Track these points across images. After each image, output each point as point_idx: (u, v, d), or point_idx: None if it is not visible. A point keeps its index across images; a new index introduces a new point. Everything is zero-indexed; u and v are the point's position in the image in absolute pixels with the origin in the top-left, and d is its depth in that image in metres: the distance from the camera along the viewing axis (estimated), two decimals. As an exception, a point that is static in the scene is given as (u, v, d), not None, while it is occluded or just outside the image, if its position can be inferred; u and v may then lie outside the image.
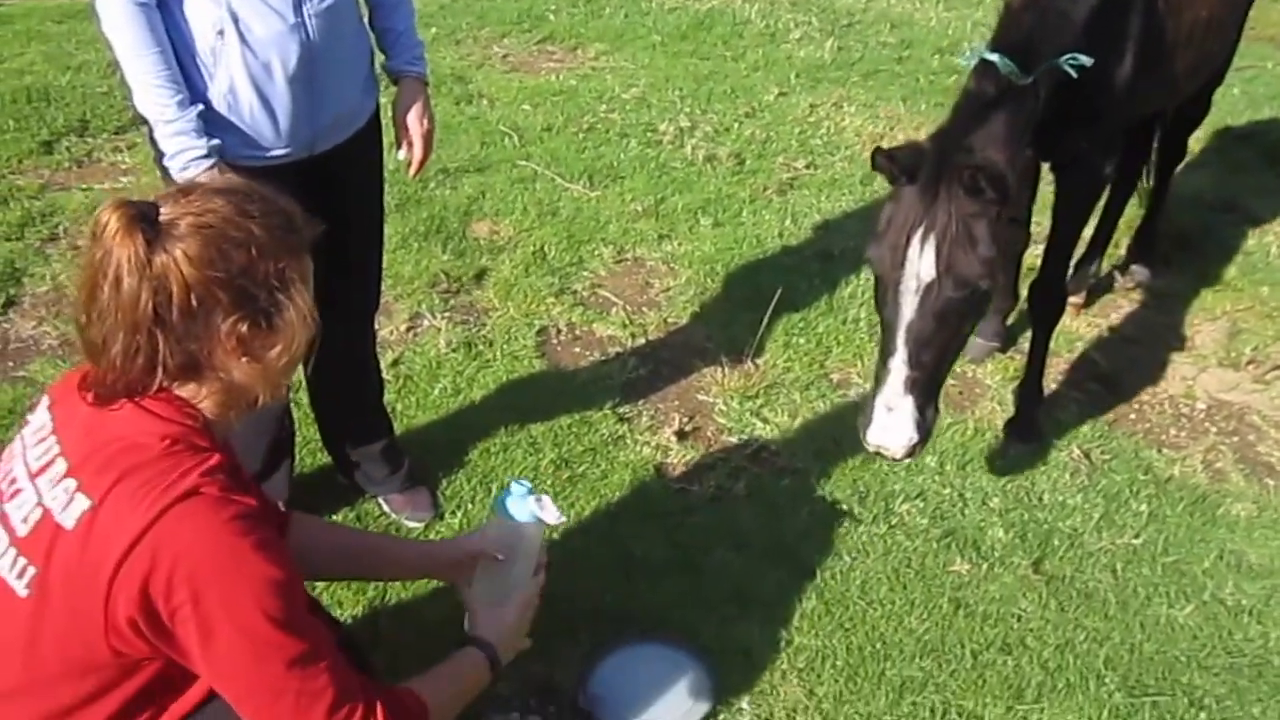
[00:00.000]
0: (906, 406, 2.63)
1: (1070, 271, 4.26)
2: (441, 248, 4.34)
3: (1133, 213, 4.54)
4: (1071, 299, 4.24)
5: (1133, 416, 3.76)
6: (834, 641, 2.82)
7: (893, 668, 2.76)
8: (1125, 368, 3.99)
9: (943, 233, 2.50)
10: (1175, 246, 4.65)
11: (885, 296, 2.65)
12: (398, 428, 3.29)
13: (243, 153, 2.42)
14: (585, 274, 4.29)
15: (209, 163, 2.32)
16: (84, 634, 1.59)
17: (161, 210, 1.61)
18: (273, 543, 1.63)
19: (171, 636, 1.58)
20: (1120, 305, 4.36)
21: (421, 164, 2.80)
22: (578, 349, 3.89)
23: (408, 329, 3.89)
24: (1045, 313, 3.49)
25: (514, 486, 2.25)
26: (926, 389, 2.66)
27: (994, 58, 2.70)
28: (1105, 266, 4.46)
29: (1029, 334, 3.60)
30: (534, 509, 2.22)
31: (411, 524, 3.07)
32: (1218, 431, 3.72)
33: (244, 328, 1.65)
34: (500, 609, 2.17)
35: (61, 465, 1.63)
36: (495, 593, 2.22)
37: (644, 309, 4.12)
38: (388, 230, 4.32)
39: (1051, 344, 3.57)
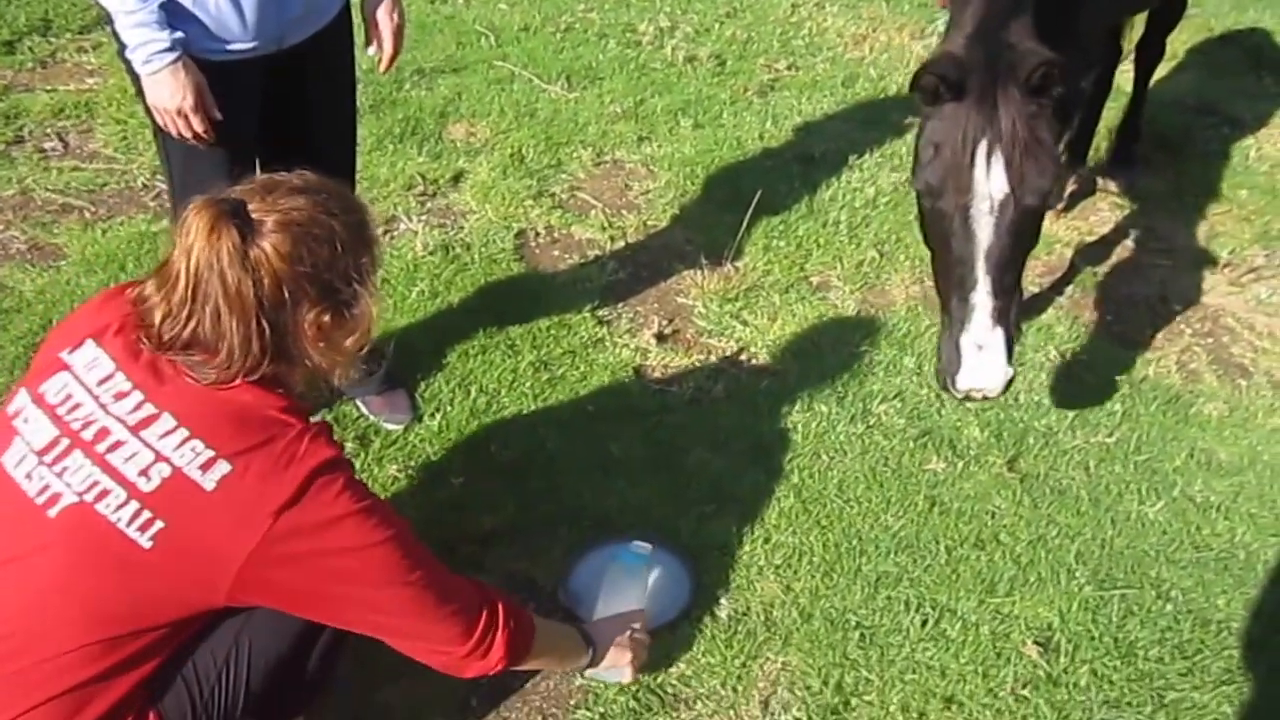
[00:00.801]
0: (998, 341, 2.46)
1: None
2: (417, 150, 4.30)
3: (1111, 117, 4.53)
4: (1053, 205, 4.26)
5: (1109, 318, 3.79)
6: (811, 538, 2.86)
7: (868, 563, 2.81)
8: (1102, 269, 4.01)
9: (1010, 143, 2.33)
10: (1155, 149, 4.65)
11: (951, 226, 2.44)
12: (374, 330, 3.29)
13: (208, 46, 2.37)
14: (564, 176, 4.26)
15: (172, 56, 2.28)
16: (207, 587, 1.70)
17: (249, 206, 1.70)
18: (368, 493, 1.82)
19: (302, 594, 1.76)
20: (1099, 208, 4.36)
21: (392, 60, 2.75)
22: (556, 252, 3.88)
23: (384, 232, 3.87)
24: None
25: (635, 546, 2.62)
26: (1009, 315, 2.50)
27: None
28: (1085, 171, 4.45)
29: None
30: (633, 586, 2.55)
31: (390, 426, 3.08)
32: (1192, 333, 3.76)
33: (326, 318, 1.79)
34: (618, 621, 2.40)
35: (170, 421, 1.70)
36: (606, 610, 2.48)
37: (623, 211, 4.11)
38: (362, 132, 4.28)
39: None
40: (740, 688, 2.51)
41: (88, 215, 3.84)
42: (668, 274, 3.81)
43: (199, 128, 2.39)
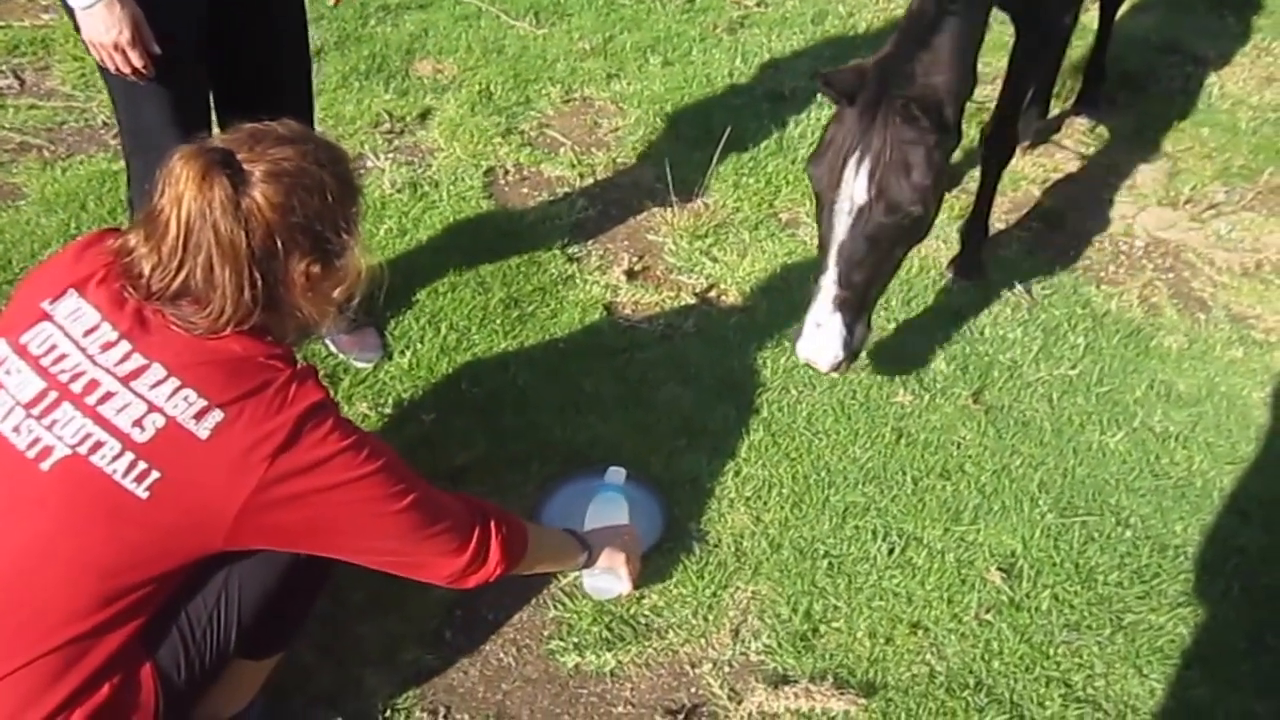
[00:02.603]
0: (835, 324, 2.66)
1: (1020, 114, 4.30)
2: (384, 87, 4.27)
3: (1077, 56, 4.55)
4: (1021, 143, 4.28)
5: (1073, 253, 3.84)
6: (780, 470, 2.91)
7: (836, 494, 2.86)
8: (1067, 206, 4.05)
9: (877, 158, 2.51)
10: (1119, 87, 4.68)
11: (821, 215, 2.67)
12: (362, 280, 3.29)
13: None
14: (532, 114, 4.25)
15: None
16: (205, 535, 1.71)
17: (238, 156, 1.70)
18: (353, 429, 1.84)
19: (301, 532, 1.80)
20: (1064, 146, 4.39)
21: None
22: (525, 189, 3.88)
23: (352, 170, 3.84)
24: (997, 156, 3.52)
25: (612, 473, 2.66)
26: (856, 308, 2.68)
27: None
28: (1051, 108, 4.48)
29: (975, 173, 3.63)
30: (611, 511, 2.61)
31: (360, 364, 3.09)
32: (1154, 268, 3.81)
33: (316, 268, 1.80)
34: (609, 530, 2.48)
35: (161, 371, 1.70)
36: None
37: (592, 149, 4.10)
38: (327, 69, 4.28)
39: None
40: (711, 617, 2.56)
41: (46, 154, 3.80)
42: (637, 211, 3.82)
43: (137, 63, 2.34)
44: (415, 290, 3.34)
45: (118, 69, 2.36)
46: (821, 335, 2.67)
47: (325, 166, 1.78)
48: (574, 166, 3.98)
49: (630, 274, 3.52)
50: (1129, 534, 2.84)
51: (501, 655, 2.46)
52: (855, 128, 2.54)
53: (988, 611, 2.61)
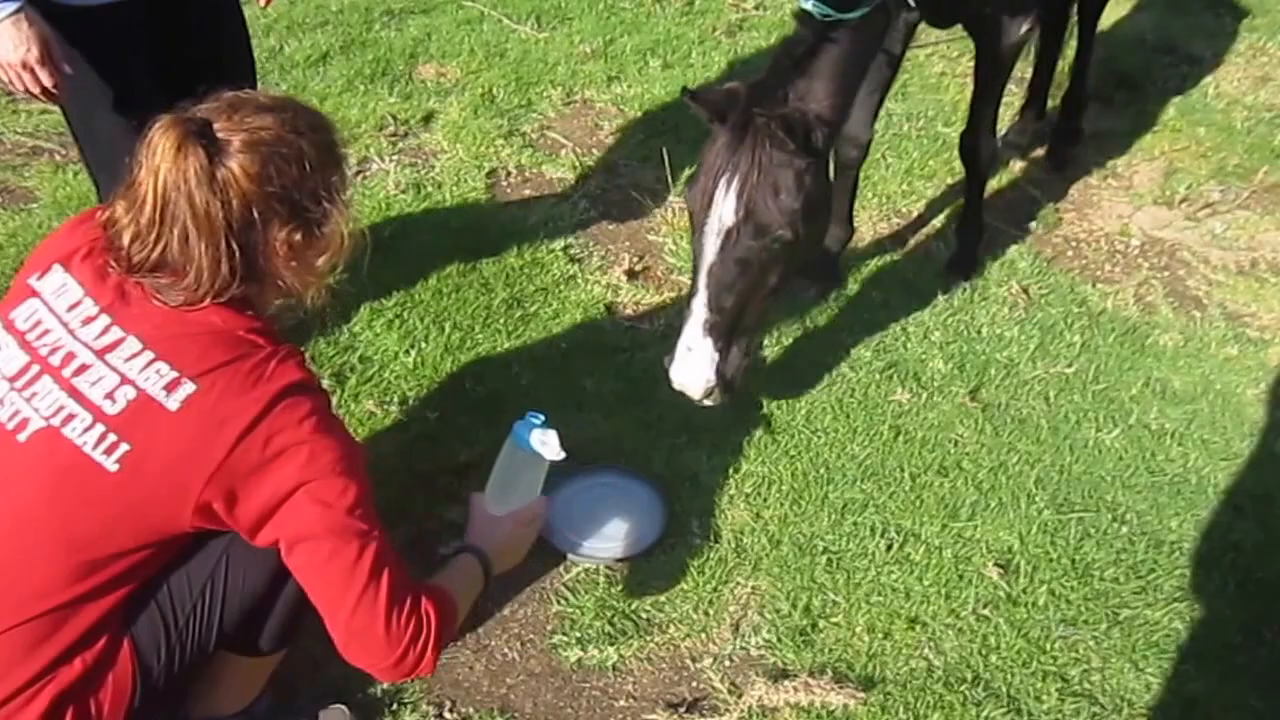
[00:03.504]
0: (705, 349, 2.56)
1: (1017, 117, 4.35)
2: (388, 90, 4.31)
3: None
4: (1018, 143, 4.32)
5: (1070, 253, 3.87)
6: (779, 468, 2.94)
7: (835, 491, 2.89)
8: (1064, 206, 4.09)
9: (744, 179, 2.44)
10: (1115, 87, 4.71)
11: (693, 235, 2.59)
12: (348, 271, 3.33)
13: None
14: (534, 116, 4.29)
15: (13, 6, 2.13)
16: (173, 508, 1.70)
17: (215, 126, 1.69)
18: (340, 424, 1.81)
19: (262, 516, 1.72)
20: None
21: None
22: (528, 191, 3.92)
23: (356, 172, 3.88)
24: (975, 164, 3.53)
25: (530, 417, 2.25)
26: (728, 333, 2.59)
27: (809, 5, 2.53)
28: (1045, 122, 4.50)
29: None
30: (538, 442, 2.23)
31: None
32: (1150, 267, 3.84)
33: (297, 237, 1.78)
34: (498, 521, 2.22)
35: (136, 345, 1.70)
36: (499, 504, 2.26)
37: (593, 151, 4.14)
38: (332, 73, 4.32)
39: (994, 183, 3.64)
40: (712, 611, 2.59)
41: (58, 158, 3.84)
42: (638, 212, 3.85)
43: (46, 82, 2.24)
44: (420, 290, 3.38)
45: (26, 90, 2.25)
46: (692, 360, 2.57)
47: (304, 134, 1.76)
48: (575, 168, 4.02)
49: (631, 274, 3.56)
50: (1125, 530, 2.87)
51: (505, 650, 2.50)
52: (725, 148, 2.47)
53: (985, 607, 2.64)
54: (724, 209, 2.47)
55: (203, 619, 1.88)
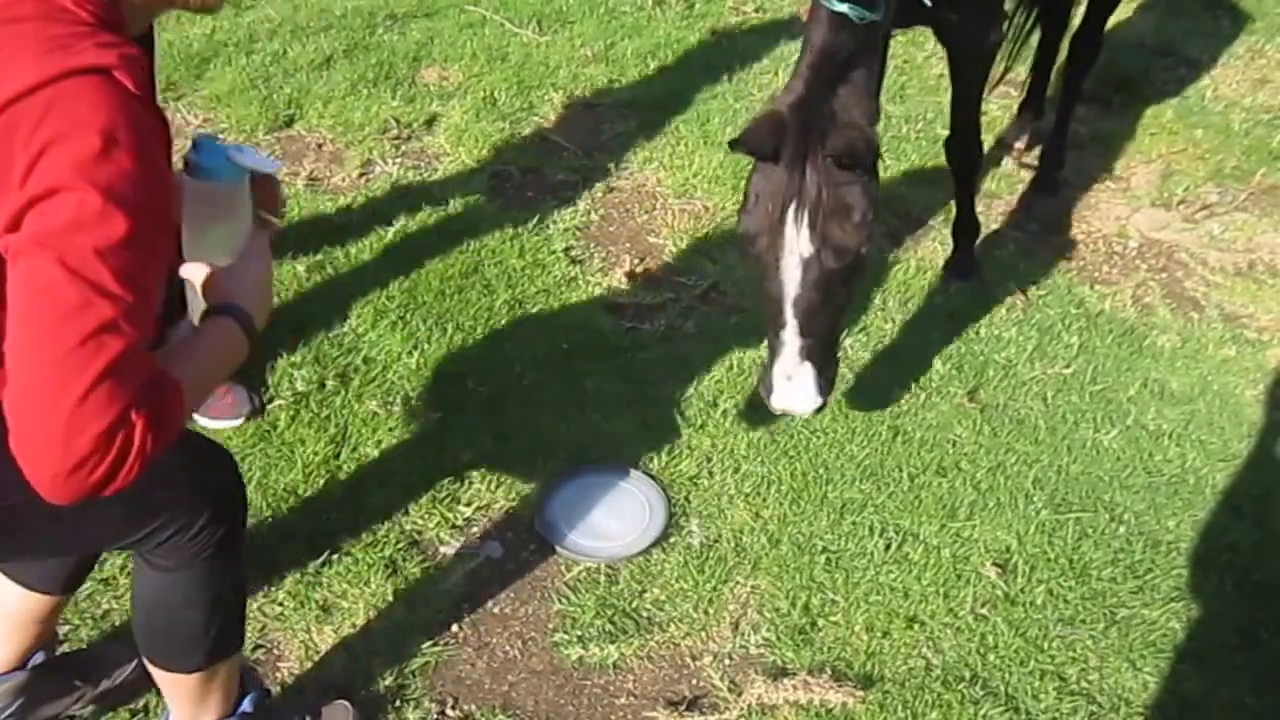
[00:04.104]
0: (806, 373, 2.58)
1: (1015, 118, 4.36)
2: (391, 94, 4.33)
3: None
4: (1016, 144, 4.34)
5: (1068, 254, 3.89)
6: (779, 468, 2.96)
7: (834, 490, 2.91)
8: (1062, 208, 4.11)
9: (815, 208, 2.41)
10: (1114, 89, 4.73)
11: (765, 272, 2.54)
12: (352, 272, 3.38)
13: None
14: (536, 119, 4.31)
15: None
16: None
17: None
18: (165, 171, 1.43)
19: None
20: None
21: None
22: (529, 193, 3.94)
23: (359, 175, 3.91)
24: (961, 167, 3.55)
25: (202, 141, 1.72)
26: (824, 352, 2.61)
27: (843, 8, 2.43)
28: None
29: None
30: (239, 162, 1.71)
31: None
32: (1148, 268, 3.86)
33: None
34: (239, 267, 1.73)
35: None
36: (219, 254, 1.76)
37: (594, 153, 4.16)
38: (336, 77, 4.34)
39: (992, 185, 3.66)
40: (712, 610, 2.61)
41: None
42: (639, 213, 3.88)
43: None
44: (423, 292, 3.40)
45: None
46: (796, 385, 2.59)
47: None
48: (576, 170, 4.04)
49: (632, 275, 3.58)
50: (1123, 530, 2.88)
51: (507, 648, 2.52)
52: (786, 180, 2.41)
53: (983, 606, 2.66)
54: (800, 241, 2.44)
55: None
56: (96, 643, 2.41)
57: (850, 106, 2.49)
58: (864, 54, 2.53)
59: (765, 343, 2.69)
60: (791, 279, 2.49)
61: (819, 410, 2.66)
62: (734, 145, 2.43)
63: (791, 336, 2.55)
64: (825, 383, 2.62)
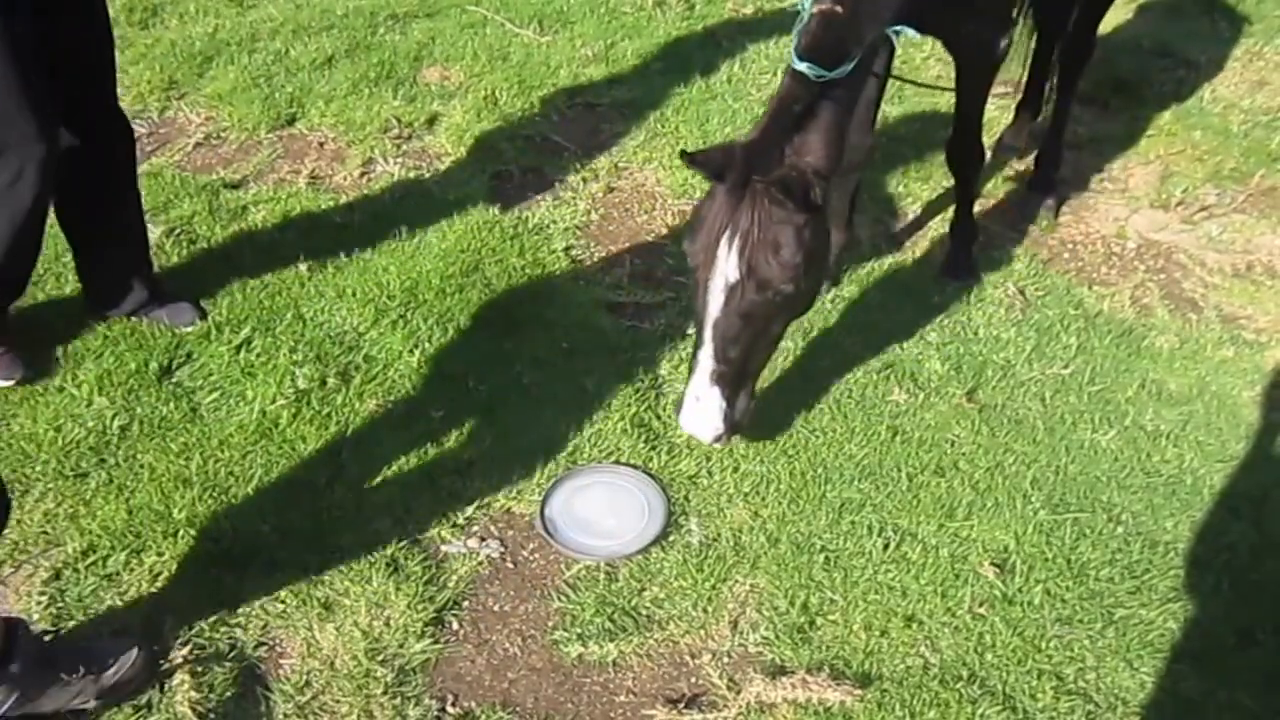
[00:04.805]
0: (713, 399, 2.63)
1: (1012, 119, 4.37)
2: (392, 93, 4.34)
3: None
4: (1013, 145, 4.35)
5: (1066, 255, 3.90)
6: (778, 467, 2.97)
7: (833, 490, 2.92)
8: (1061, 209, 4.11)
9: (745, 238, 2.47)
10: (1112, 91, 4.75)
11: (696, 291, 2.62)
12: (354, 271, 3.39)
13: None
14: (537, 119, 4.32)
15: None
16: None
17: None
18: None
19: None
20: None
21: None
22: (530, 193, 3.95)
23: (361, 174, 3.93)
24: (961, 169, 3.57)
25: None
26: (735, 382, 2.66)
27: (802, 67, 2.50)
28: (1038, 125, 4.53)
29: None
30: None
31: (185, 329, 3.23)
32: (1146, 269, 3.87)
33: None
34: None
35: None
36: None
37: (595, 153, 4.17)
38: (338, 76, 4.35)
39: (991, 186, 3.66)
40: (711, 609, 2.62)
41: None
42: (638, 214, 3.89)
43: None
44: (423, 291, 3.41)
45: None
46: (701, 409, 2.64)
47: None
48: (577, 170, 4.06)
49: (632, 275, 3.59)
50: (1120, 530, 2.89)
51: (507, 645, 2.53)
52: (725, 206, 2.49)
53: (981, 606, 2.67)
54: (727, 266, 2.51)
55: None
56: (94, 635, 2.42)
57: (802, 150, 2.57)
58: (830, 103, 2.58)
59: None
60: (715, 301, 2.55)
61: (719, 442, 2.70)
62: (685, 157, 2.49)
63: (706, 358, 2.61)
64: (732, 413, 2.67)
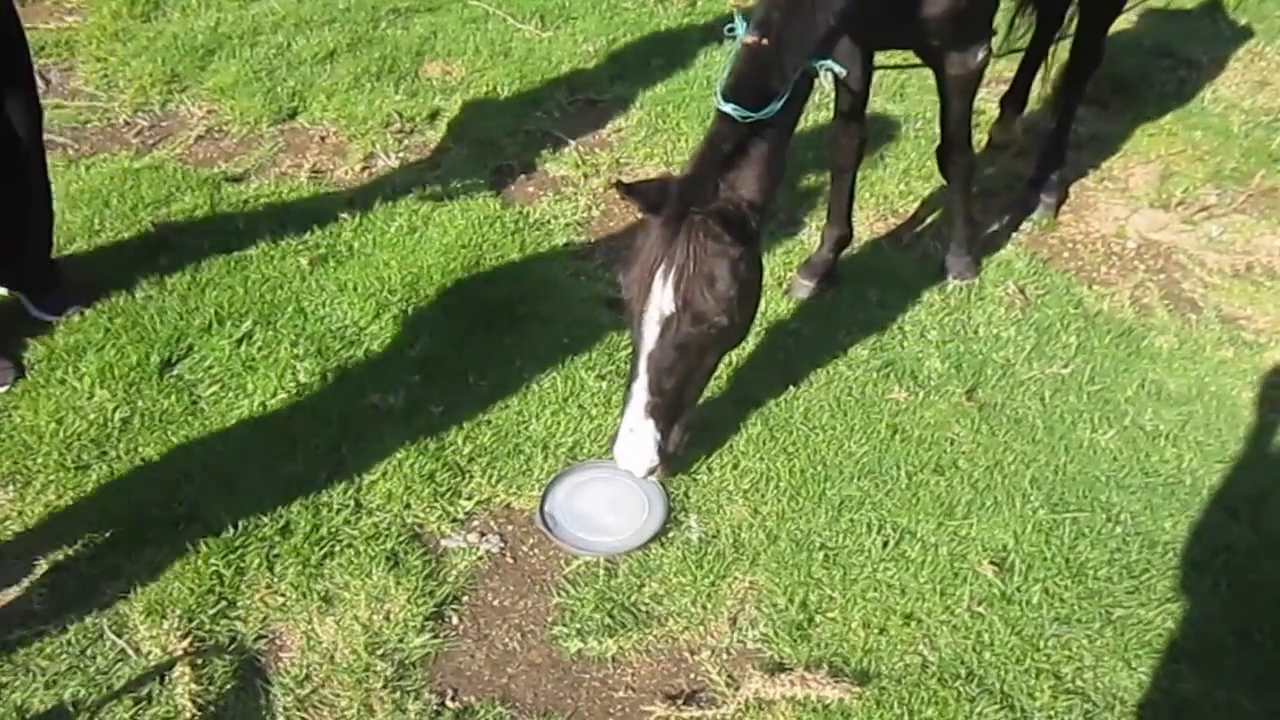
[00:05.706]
0: (647, 431, 2.62)
1: (998, 114, 4.37)
2: (394, 88, 4.34)
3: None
4: (1000, 139, 4.35)
5: (1066, 255, 3.91)
6: (777, 464, 2.98)
7: (832, 488, 2.93)
8: (1061, 208, 4.12)
9: (680, 271, 2.48)
10: (1113, 91, 4.74)
11: (631, 322, 2.62)
12: (355, 266, 3.39)
13: None
14: (538, 114, 4.32)
15: None
16: None
17: None
18: None
19: None
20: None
21: None
22: (531, 188, 3.95)
23: (362, 168, 3.93)
24: (953, 174, 3.56)
25: None
26: (669, 414, 2.65)
27: (728, 109, 2.51)
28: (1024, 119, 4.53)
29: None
30: None
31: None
32: (1146, 269, 3.88)
33: None
34: None
35: None
36: None
37: (596, 149, 4.17)
38: (340, 71, 4.35)
39: (991, 185, 3.66)
40: (710, 605, 2.63)
41: (71, 152, 3.88)
42: (640, 210, 3.87)
43: None
44: (424, 286, 3.41)
45: None
46: (635, 441, 2.63)
47: None
48: (578, 166, 4.06)
49: (633, 272, 3.59)
50: (1119, 530, 2.90)
51: (507, 640, 2.53)
52: (660, 239, 2.49)
53: (980, 604, 2.68)
54: (662, 299, 2.51)
55: None
56: None
57: (736, 184, 2.58)
58: (756, 142, 2.58)
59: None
60: (650, 334, 2.55)
61: (653, 473, 2.69)
62: (620, 188, 2.51)
63: (640, 390, 2.61)
64: (666, 444, 2.66)
